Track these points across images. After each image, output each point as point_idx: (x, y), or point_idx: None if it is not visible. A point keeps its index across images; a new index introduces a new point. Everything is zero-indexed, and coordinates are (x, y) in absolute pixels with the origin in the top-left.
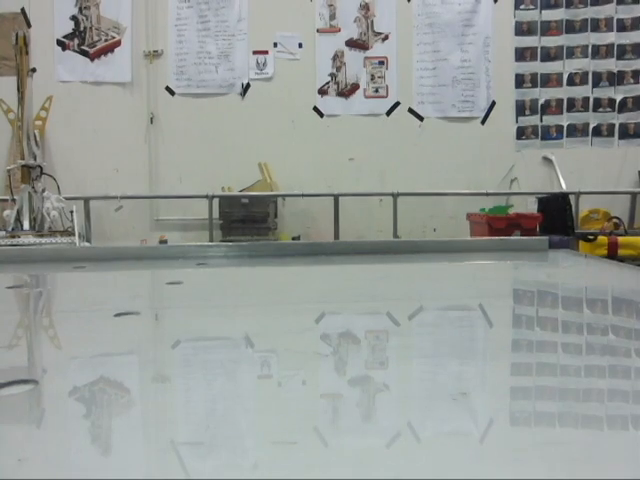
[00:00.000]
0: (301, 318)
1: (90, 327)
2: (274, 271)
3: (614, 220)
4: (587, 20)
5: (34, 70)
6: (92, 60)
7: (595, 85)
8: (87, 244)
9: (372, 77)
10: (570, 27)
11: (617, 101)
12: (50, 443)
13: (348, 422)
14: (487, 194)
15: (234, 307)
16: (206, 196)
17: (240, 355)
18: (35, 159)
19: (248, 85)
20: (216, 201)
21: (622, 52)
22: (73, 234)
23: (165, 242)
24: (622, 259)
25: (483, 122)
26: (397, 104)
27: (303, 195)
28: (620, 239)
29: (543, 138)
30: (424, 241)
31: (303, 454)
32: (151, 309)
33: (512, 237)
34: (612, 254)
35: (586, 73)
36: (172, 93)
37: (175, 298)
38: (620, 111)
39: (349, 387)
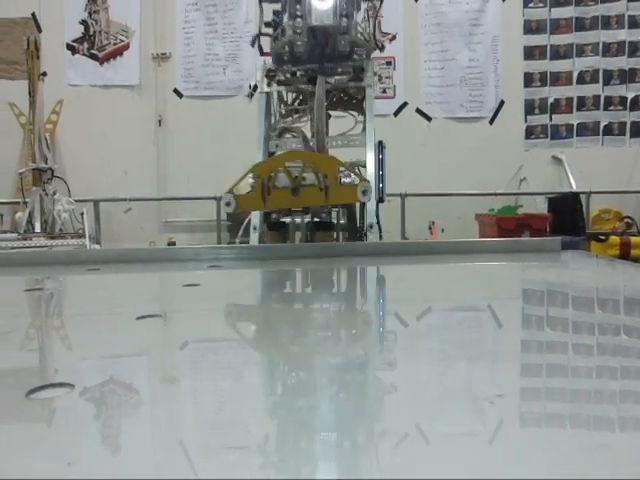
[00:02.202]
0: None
1: (114, 330)
2: (290, 272)
3: (626, 220)
4: (598, 17)
5: (45, 74)
6: (101, 64)
7: (606, 83)
8: (97, 246)
9: (379, 77)
10: (580, 25)
11: (629, 99)
12: (96, 446)
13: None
14: (496, 194)
15: (259, 308)
16: (214, 198)
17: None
18: (46, 162)
19: (256, 87)
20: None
21: (634, 49)
22: (83, 236)
23: (173, 244)
24: (635, 260)
25: (491, 122)
26: (405, 104)
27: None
28: (633, 239)
29: (552, 137)
30: (438, 242)
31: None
32: (172, 311)
33: (525, 238)
34: (624, 254)
35: (597, 71)
36: (180, 95)
37: (194, 300)
38: (632, 109)
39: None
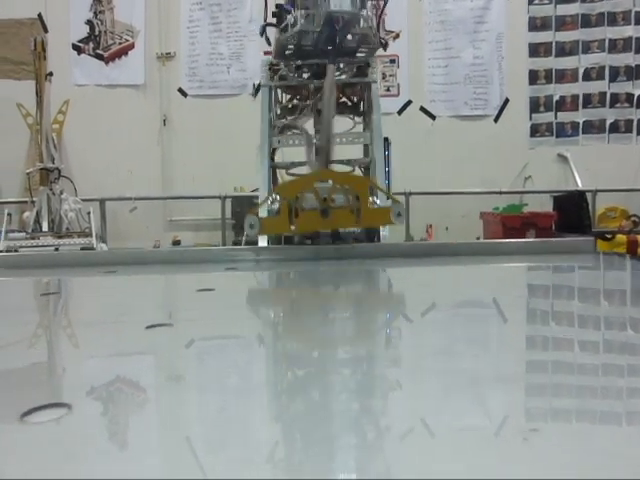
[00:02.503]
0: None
1: (145, 337)
2: (312, 274)
3: (633, 218)
4: (604, 14)
5: (51, 74)
6: (107, 63)
7: (612, 80)
8: (104, 245)
9: (383, 76)
10: (586, 21)
11: (635, 96)
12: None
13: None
14: (500, 193)
15: (290, 314)
16: (219, 196)
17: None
18: (53, 162)
19: (260, 85)
20: (228, 201)
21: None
22: (90, 235)
23: (178, 242)
24: None
25: (496, 120)
26: (409, 103)
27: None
28: None
29: (558, 135)
30: (466, 244)
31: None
32: (185, 321)
33: (556, 239)
34: (631, 253)
35: (603, 68)
36: (184, 95)
37: (209, 306)
38: (638, 106)
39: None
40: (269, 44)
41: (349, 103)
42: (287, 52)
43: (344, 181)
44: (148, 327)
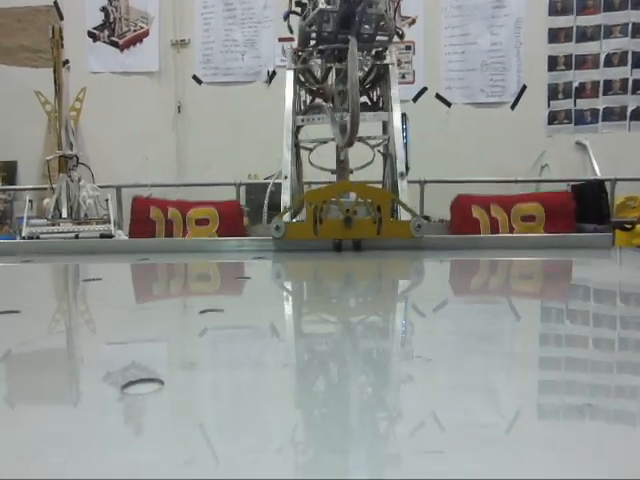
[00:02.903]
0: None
1: (183, 321)
2: (337, 264)
3: None
4: None
5: (67, 62)
6: (122, 51)
7: (635, 66)
8: (121, 231)
9: (399, 62)
10: (608, 5)
11: None
12: (214, 444)
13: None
14: (517, 181)
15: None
16: (233, 184)
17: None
18: (72, 149)
19: (274, 73)
20: (243, 188)
21: None
22: (109, 222)
23: None
24: None
25: (513, 107)
26: (424, 90)
27: (329, 183)
28: None
29: (577, 123)
30: (489, 237)
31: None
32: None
33: (573, 234)
34: None
35: (625, 53)
36: (199, 82)
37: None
38: None
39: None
40: (291, 32)
41: (369, 102)
42: (311, 35)
43: (368, 194)
44: (202, 312)
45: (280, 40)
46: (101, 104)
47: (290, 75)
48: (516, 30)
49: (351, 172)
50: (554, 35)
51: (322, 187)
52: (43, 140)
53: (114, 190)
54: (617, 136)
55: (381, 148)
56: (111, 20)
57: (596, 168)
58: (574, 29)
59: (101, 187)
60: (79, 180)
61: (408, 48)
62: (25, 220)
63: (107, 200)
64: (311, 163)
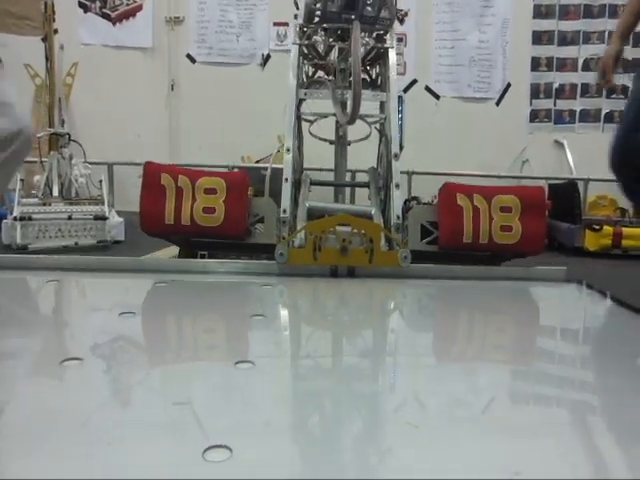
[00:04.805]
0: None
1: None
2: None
3: (619, 209)
4: (605, 5)
5: (56, 32)
6: (114, 24)
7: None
8: (113, 211)
9: None
10: (588, 12)
11: (630, 88)
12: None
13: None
14: (499, 177)
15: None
16: (227, 166)
17: None
18: (63, 126)
19: (268, 56)
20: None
21: (638, 39)
22: (102, 202)
23: None
24: (625, 250)
25: (498, 103)
26: (414, 82)
27: (321, 170)
28: (624, 230)
29: (556, 122)
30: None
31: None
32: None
33: (525, 268)
34: (616, 245)
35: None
36: (193, 61)
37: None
38: None
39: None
40: (297, 7)
41: (368, 79)
42: (316, 14)
43: (361, 226)
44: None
45: (275, 24)
46: (93, 78)
47: (295, 50)
48: (503, 30)
49: (349, 144)
50: (538, 37)
51: (322, 220)
52: (30, 112)
53: (105, 167)
54: (592, 136)
55: (377, 125)
56: None
57: (572, 166)
58: (556, 33)
59: (92, 164)
60: (71, 158)
61: (400, 40)
62: (17, 199)
63: (101, 181)
64: (311, 134)
